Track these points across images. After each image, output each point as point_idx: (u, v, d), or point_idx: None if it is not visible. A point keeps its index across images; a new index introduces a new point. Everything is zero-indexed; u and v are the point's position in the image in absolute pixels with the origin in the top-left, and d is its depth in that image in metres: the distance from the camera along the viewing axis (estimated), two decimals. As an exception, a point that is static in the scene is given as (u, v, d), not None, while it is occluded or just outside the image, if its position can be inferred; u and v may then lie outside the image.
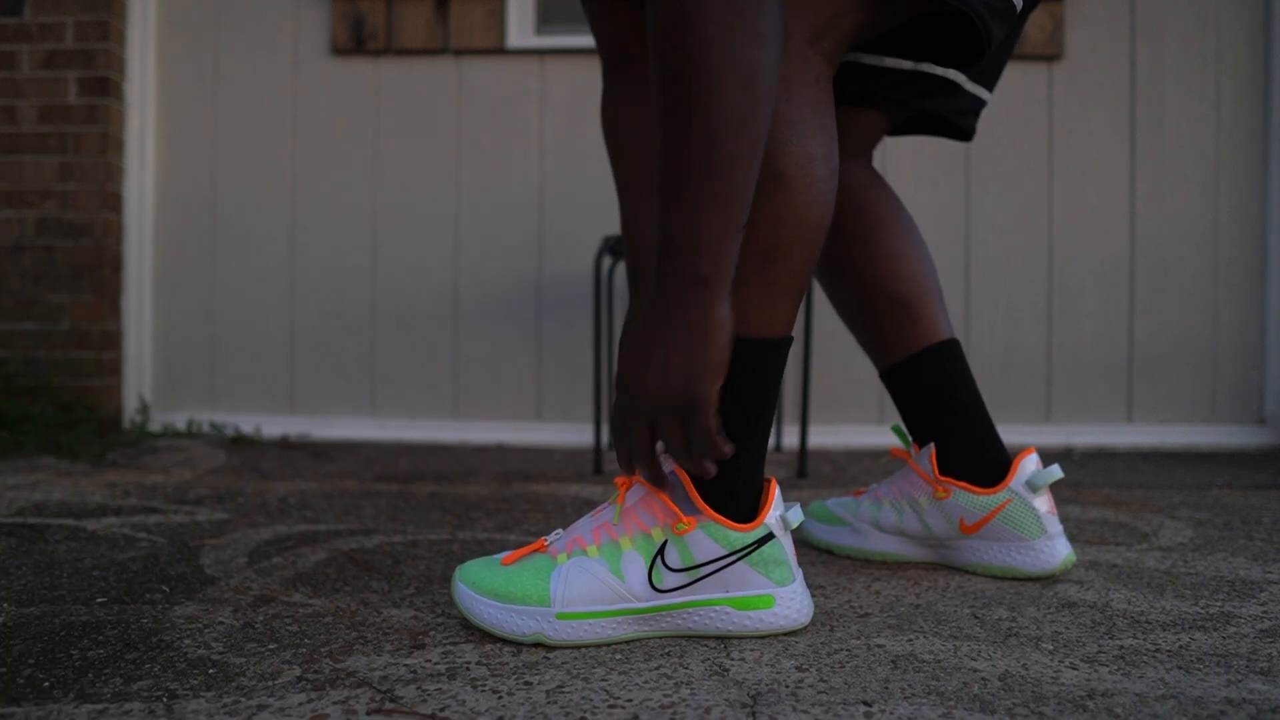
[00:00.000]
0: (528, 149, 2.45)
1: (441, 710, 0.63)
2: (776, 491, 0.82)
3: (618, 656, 0.75)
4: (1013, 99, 2.39)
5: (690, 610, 0.78)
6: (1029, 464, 1.00)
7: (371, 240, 2.47)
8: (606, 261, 2.30)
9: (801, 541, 1.17)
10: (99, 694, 0.66)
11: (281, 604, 0.89)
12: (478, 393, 2.45)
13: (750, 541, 0.78)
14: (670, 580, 0.78)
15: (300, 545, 1.15)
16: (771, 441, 2.37)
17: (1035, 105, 2.40)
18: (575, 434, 2.40)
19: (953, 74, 0.99)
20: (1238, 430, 2.40)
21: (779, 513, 0.80)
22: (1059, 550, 0.98)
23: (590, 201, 2.43)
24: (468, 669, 0.71)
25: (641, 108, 0.94)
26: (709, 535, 0.78)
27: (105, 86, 2.35)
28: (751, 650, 0.76)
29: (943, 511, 1.02)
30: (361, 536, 1.21)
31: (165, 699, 0.65)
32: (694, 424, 0.75)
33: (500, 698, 0.65)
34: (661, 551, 0.78)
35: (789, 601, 0.80)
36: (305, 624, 0.83)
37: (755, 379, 0.80)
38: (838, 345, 2.40)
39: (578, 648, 0.76)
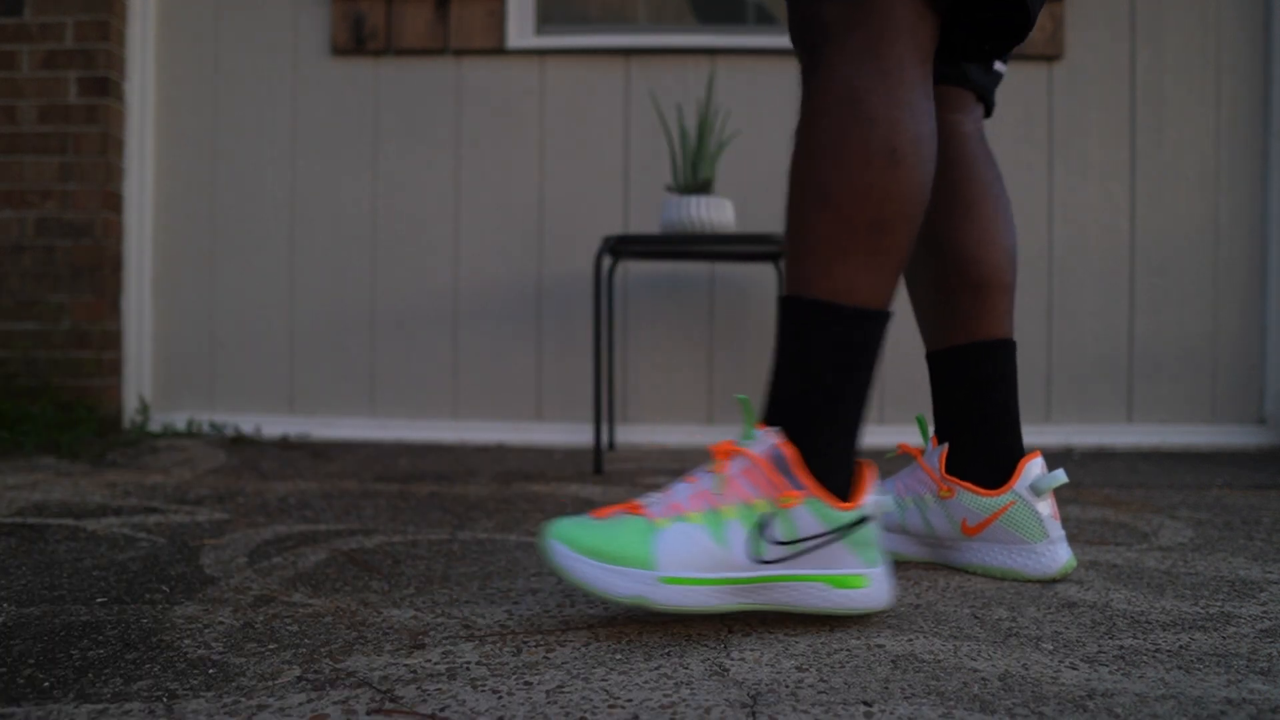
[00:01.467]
0: (528, 149, 2.45)
1: (441, 710, 0.63)
2: (874, 476, 0.83)
3: (618, 656, 0.75)
4: (1013, 99, 2.39)
5: (789, 584, 0.79)
6: (1034, 467, 0.99)
7: (371, 240, 2.47)
8: (606, 261, 2.30)
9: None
10: (99, 694, 0.66)
11: (281, 604, 0.89)
12: (478, 393, 2.45)
13: (850, 520, 0.79)
14: (772, 552, 0.78)
15: (300, 545, 1.15)
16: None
17: (1035, 105, 2.40)
18: (575, 434, 2.40)
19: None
20: (1238, 430, 2.40)
21: (875, 496, 0.82)
22: (1060, 555, 0.98)
23: (590, 201, 2.43)
24: (468, 669, 0.71)
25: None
26: (812, 511, 0.78)
27: (105, 86, 2.35)
28: (751, 650, 0.76)
29: (946, 511, 1.02)
30: (361, 536, 1.21)
31: (165, 699, 0.65)
32: None
33: (500, 698, 0.65)
34: (764, 523, 0.78)
35: (879, 583, 0.81)
36: (305, 624, 0.83)
37: (859, 348, 0.82)
38: (838, 345, 2.40)
39: (679, 614, 0.76)
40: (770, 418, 0.83)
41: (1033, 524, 0.98)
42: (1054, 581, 1.00)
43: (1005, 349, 1.04)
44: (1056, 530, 0.99)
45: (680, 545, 0.77)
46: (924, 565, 1.06)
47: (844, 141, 0.79)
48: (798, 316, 0.83)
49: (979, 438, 1.02)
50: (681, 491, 0.81)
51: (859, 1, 0.80)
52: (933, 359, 1.08)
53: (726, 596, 0.78)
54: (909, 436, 2.35)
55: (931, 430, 1.08)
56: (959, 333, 1.05)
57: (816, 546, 0.78)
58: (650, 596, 0.76)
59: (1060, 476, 0.98)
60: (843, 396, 0.82)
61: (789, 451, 0.79)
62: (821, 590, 0.79)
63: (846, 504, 0.80)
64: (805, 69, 0.85)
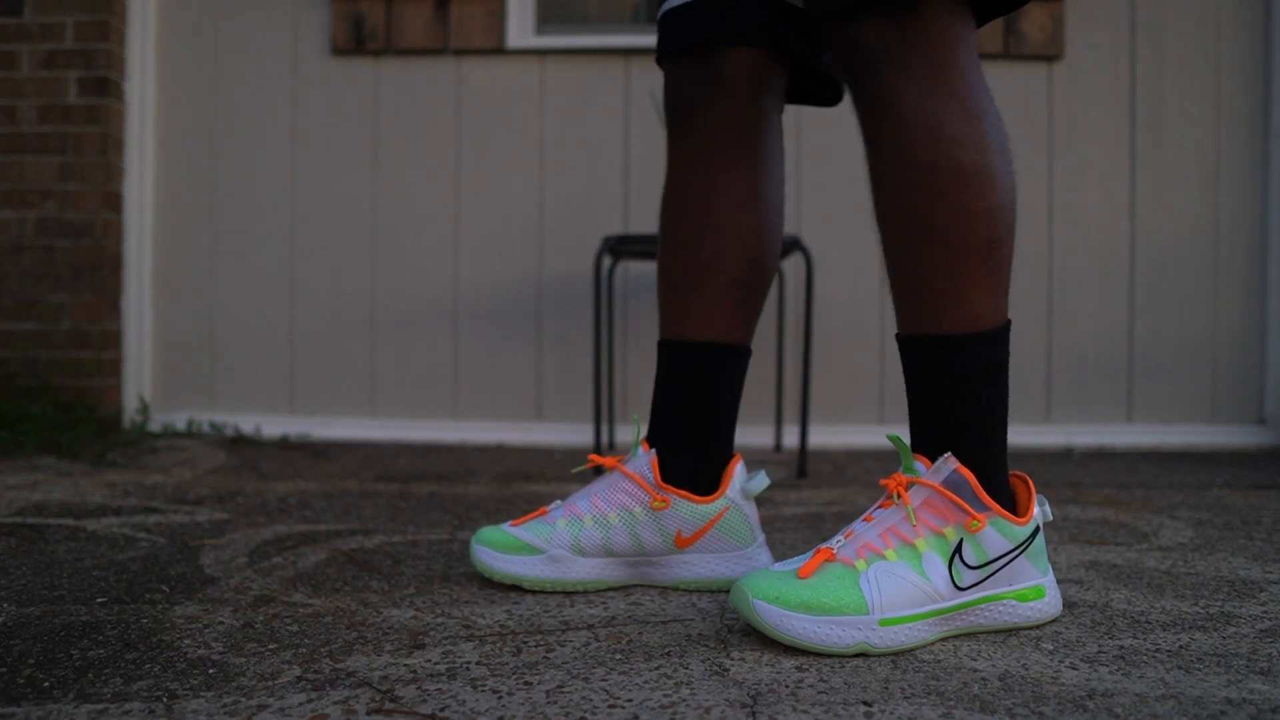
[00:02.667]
0: (528, 149, 2.45)
1: (441, 710, 0.63)
2: (1031, 484, 0.85)
3: (618, 656, 0.75)
4: (1013, 99, 2.39)
5: (983, 606, 0.81)
6: (740, 470, 0.96)
7: (371, 240, 2.47)
8: (606, 261, 2.30)
9: (475, 576, 1.01)
10: (99, 694, 0.66)
11: (281, 604, 0.89)
12: (478, 393, 2.45)
13: (1028, 535, 0.82)
14: (969, 577, 0.79)
15: (300, 545, 1.15)
16: (770, 441, 2.37)
17: (1035, 105, 2.40)
18: (575, 434, 2.40)
19: None
20: (1238, 430, 2.40)
21: (1039, 506, 0.84)
22: (767, 559, 0.96)
23: (590, 201, 2.43)
24: (468, 669, 0.71)
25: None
26: (998, 531, 0.80)
27: (105, 86, 2.35)
28: (751, 650, 0.76)
29: (659, 523, 0.94)
30: (361, 536, 1.21)
31: (165, 699, 0.65)
32: None
33: (500, 698, 0.65)
34: (959, 550, 0.79)
35: (1053, 590, 0.84)
36: (305, 624, 0.83)
37: (1003, 364, 0.84)
38: (838, 345, 2.40)
39: (898, 654, 0.76)
40: (930, 446, 0.83)
41: (744, 529, 0.95)
42: None
43: (738, 354, 1.00)
44: (761, 534, 0.97)
45: (889, 585, 0.77)
46: (642, 586, 0.97)
47: (934, 172, 0.79)
48: (938, 354, 0.83)
49: (696, 443, 0.97)
50: (867, 531, 0.81)
51: (905, 18, 0.77)
52: (663, 349, 1.01)
53: (935, 627, 0.79)
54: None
55: (642, 434, 0.99)
56: (699, 328, 0.98)
57: (1003, 566, 0.81)
58: (872, 641, 0.75)
59: (765, 479, 0.96)
60: (999, 413, 0.84)
61: (969, 475, 0.80)
62: (1010, 607, 0.81)
63: (1022, 518, 0.82)
64: (862, 95, 0.83)
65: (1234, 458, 2.18)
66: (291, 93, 2.48)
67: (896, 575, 0.77)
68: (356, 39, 2.43)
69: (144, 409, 2.45)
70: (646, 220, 2.42)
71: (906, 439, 0.85)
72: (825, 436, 2.36)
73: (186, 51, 2.49)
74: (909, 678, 0.70)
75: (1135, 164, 2.41)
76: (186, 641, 0.77)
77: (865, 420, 2.41)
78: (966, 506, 0.79)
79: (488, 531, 0.96)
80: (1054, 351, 2.41)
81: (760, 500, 1.52)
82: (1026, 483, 0.85)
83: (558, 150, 2.45)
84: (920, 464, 0.82)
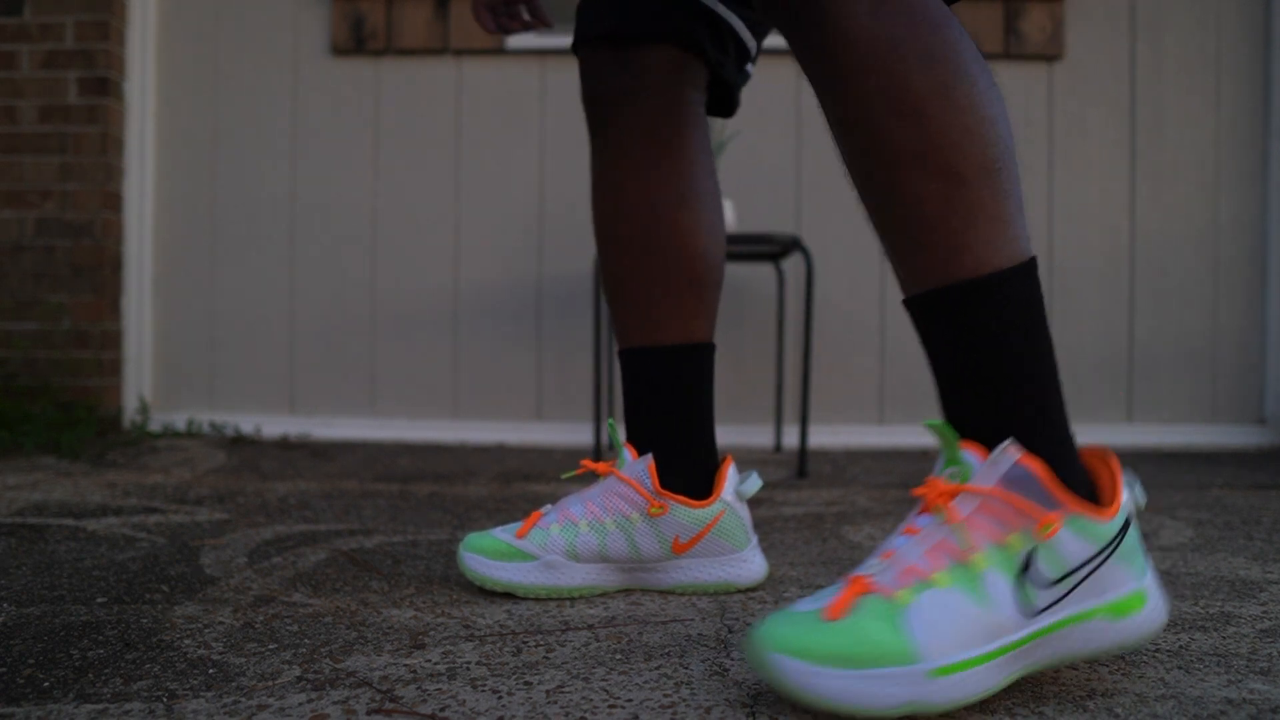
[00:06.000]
0: (528, 149, 2.45)
1: (441, 710, 0.63)
2: (1116, 462, 0.67)
3: (618, 656, 0.75)
4: (1013, 99, 2.39)
5: (1068, 629, 0.63)
6: (733, 472, 0.96)
7: (371, 240, 2.47)
8: (606, 261, 2.30)
9: (464, 584, 0.97)
10: (99, 694, 0.66)
11: (281, 604, 0.89)
12: (478, 393, 2.45)
13: (1117, 531, 0.64)
14: (1045, 597, 0.62)
15: (300, 545, 1.15)
16: (770, 441, 2.37)
17: (1035, 105, 2.40)
18: (575, 434, 2.40)
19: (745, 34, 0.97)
20: (1238, 430, 2.40)
21: (1129, 490, 0.66)
22: (761, 559, 0.96)
23: (590, 201, 2.43)
24: (468, 669, 0.71)
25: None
26: (1077, 533, 0.62)
27: (105, 86, 2.35)
28: (751, 650, 0.76)
29: (656, 530, 0.93)
30: (361, 536, 1.21)
31: (165, 699, 0.65)
32: None
33: (500, 698, 0.65)
34: (1029, 562, 0.62)
35: (1155, 594, 0.66)
36: (305, 624, 0.83)
37: (1037, 308, 0.68)
38: (838, 345, 2.40)
39: (958, 710, 0.61)
40: (979, 429, 0.66)
41: (739, 531, 0.94)
42: (758, 589, 0.96)
43: (709, 352, 0.99)
44: (754, 535, 0.97)
45: (939, 621, 0.59)
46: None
47: (909, 90, 0.66)
48: (957, 307, 0.67)
49: (683, 447, 0.96)
50: (910, 550, 0.63)
51: None
52: (637, 356, 0.98)
53: (1006, 667, 0.61)
54: (912, 438, 2.35)
55: (623, 437, 0.98)
56: (670, 331, 0.97)
57: (1091, 573, 0.63)
58: (927, 699, 0.58)
59: (759, 480, 0.96)
60: (1049, 372, 0.67)
61: (1035, 466, 0.62)
62: (1104, 626, 0.63)
63: (1107, 510, 0.64)
64: (807, 33, 0.70)
65: (1234, 458, 2.18)
66: (291, 93, 2.48)
67: (947, 607, 0.60)
68: (356, 39, 2.43)
69: (144, 409, 2.45)
70: (646, 220, 2.41)
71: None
72: (825, 436, 2.36)
73: (186, 51, 2.49)
74: (909, 678, 0.70)
75: (1135, 164, 2.41)
76: (186, 641, 0.77)
77: (865, 420, 2.41)
78: (1032, 505, 0.62)
79: (476, 538, 0.93)
80: (1054, 351, 2.41)
81: (759, 500, 1.52)
82: (1107, 461, 0.67)
83: (558, 150, 2.45)
84: (970, 454, 0.64)
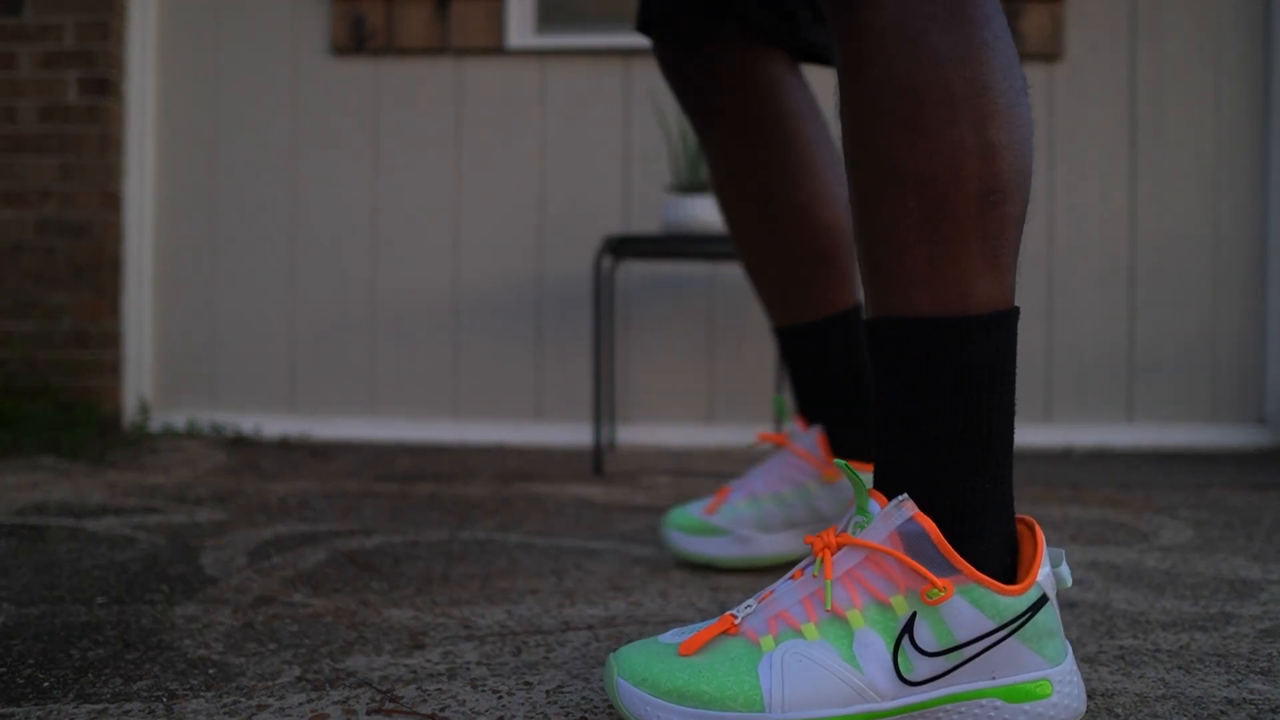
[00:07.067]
0: (528, 149, 2.45)
1: (441, 710, 0.63)
2: (1042, 537, 0.61)
3: (618, 656, 0.74)
4: (1013, 99, 2.38)
5: (950, 707, 0.58)
6: None
7: (371, 240, 2.47)
8: (606, 261, 2.30)
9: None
10: (99, 694, 0.66)
11: (281, 604, 0.89)
12: (478, 393, 2.45)
13: (1025, 609, 0.58)
14: (924, 668, 0.57)
15: (300, 545, 1.15)
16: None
17: (1035, 105, 2.40)
18: (575, 434, 2.40)
19: None
20: (1238, 430, 2.40)
21: (1050, 568, 0.60)
22: None
23: (590, 201, 2.44)
24: (468, 669, 0.71)
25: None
26: (972, 603, 0.57)
27: (105, 86, 2.35)
28: (751, 650, 0.76)
29: (833, 494, 0.98)
30: (361, 536, 1.21)
31: (165, 699, 0.65)
32: None
33: (500, 698, 0.65)
34: (909, 628, 0.58)
35: (1066, 685, 0.59)
36: (305, 624, 0.83)
37: (995, 366, 0.60)
38: (838, 345, 2.39)
39: None
40: (887, 483, 0.63)
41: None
42: None
43: (858, 316, 1.00)
44: None
45: (799, 674, 0.57)
46: None
47: (915, 99, 0.59)
48: (898, 343, 0.62)
49: (851, 414, 0.99)
50: (786, 595, 0.61)
51: None
52: (787, 336, 1.02)
53: None
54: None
55: (790, 410, 1.06)
56: (812, 306, 1.00)
57: (983, 651, 0.57)
58: None
59: None
60: (984, 436, 0.60)
61: (928, 525, 0.58)
62: (993, 709, 0.58)
63: (1015, 586, 0.58)
64: (840, 20, 0.64)
65: (1234, 458, 2.18)
66: (291, 93, 2.48)
67: (811, 661, 0.57)
68: (356, 39, 2.43)
69: (144, 409, 2.45)
70: (646, 220, 2.42)
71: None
72: (825, 436, 2.36)
73: (186, 51, 2.49)
74: (909, 678, 0.70)
75: (1135, 164, 2.41)
76: (186, 641, 0.77)
77: (865, 420, 2.40)
78: (920, 568, 0.57)
79: (676, 514, 1.02)
80: (1054, 351, 2.41)
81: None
82: (1034, 532, 0.61)
83: (558, 150, 2.45)
84: (876, 504, 0.61)
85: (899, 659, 0.57)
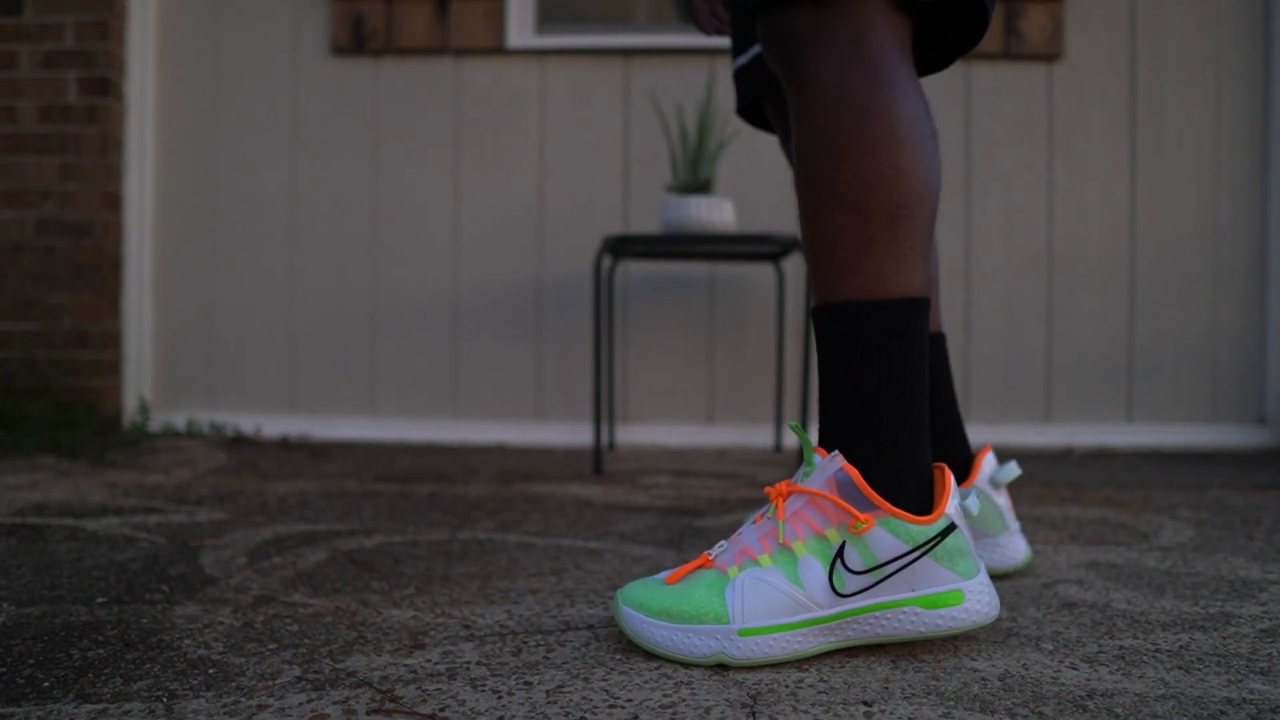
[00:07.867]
0: (528, 149, 2.45)
1: (441, 710, 0.63)
2: (952, 479, 0.77)
3: (618, 656, 0.75)
4: (1013, 99, 2.39)
5: (877, 614, 0.74)
6: (990, 461, 1.01)
7: (371, 240, 2.47)
8: (606, 261, 2.30)
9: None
10: (99, 694, 0.66)
11: (281, 604, 0.89)
12: (478, 393, 2.45)
13: (933, 534, 0.74)
14: (853, 583, 0.73)
15: (300, 545, 1.15)
16: (770, 442, 2.37)
17: (1035, 105, 2.40)
18: (575, 434, 2.40)
19: None
20: (1238, 430, 2.40)
21: (958, 501, 0.76)
22: (1021, 547, 1.00)
23: (590, 201, 2.44)
24: (468, 669, 0.71)
25: None
26: (889, 531, 0.73)
27: (105, 86, 2.35)
28: (751, 650, 0.76)
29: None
30: (361, 536, 1.21)
31: (165, 699, 0.65)
32: None
33: (500, 698, 0.65)
34: (840, 553, 0.73)
35: (977, 595, 0.74)
36: (305, 624, 0.83)
37: (903, 341, 0.78)
38: (838, 345, 2.39)
39: (762, 667, 0.72)
40: (827, 440, 0.80)
41: (994, 517, 0.99)
42: (1017, 574, 1.01)
43: (943, 343, 1.06)
44: (1014, 523, 1.01)
45: (755, 592, 0.73)
46: None
47: (840, 137, 0.78)
48: (831, 323, 0.80)
49: (934, 437, 1.02)
50: (749, 535, 0.77)
51: (829, 4, 0.79)
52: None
53: (811, 639, 0.73)
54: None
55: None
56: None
57: (899, 569, 0.73)
58: (729, 652, 0.71)
59: (1015, 469, 1.00)
60: (898, 399, 0.77)
61: (854, 473, 0.74)
62: (914, 615, 0.73)
63: (926, 516, 0.74)
64: (788, 79, 0.84)
65: (1234, 458, 2.18)
66: (291, 93, 2.48)
67: (765, 582, 0.73)
68: (356, 39, 2.43)
69: (144, 409, 2.45)
70: (646, 220, 2.42)
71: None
72: (825, 436, 2.36)
73: (186, 51, 2.49)
74: (909, 677, 0.70)
75: (1135, 164, 2.41)
76: (186, 641, 0.77)
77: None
78: (847, 506, 0.73)
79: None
80: (1054, 351, 2.41)
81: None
82: (944, 475, 0.78)
83: (558, 150, 2.45)
84: (819, 458, 0.77)
85: (833, 577, 0.73)
